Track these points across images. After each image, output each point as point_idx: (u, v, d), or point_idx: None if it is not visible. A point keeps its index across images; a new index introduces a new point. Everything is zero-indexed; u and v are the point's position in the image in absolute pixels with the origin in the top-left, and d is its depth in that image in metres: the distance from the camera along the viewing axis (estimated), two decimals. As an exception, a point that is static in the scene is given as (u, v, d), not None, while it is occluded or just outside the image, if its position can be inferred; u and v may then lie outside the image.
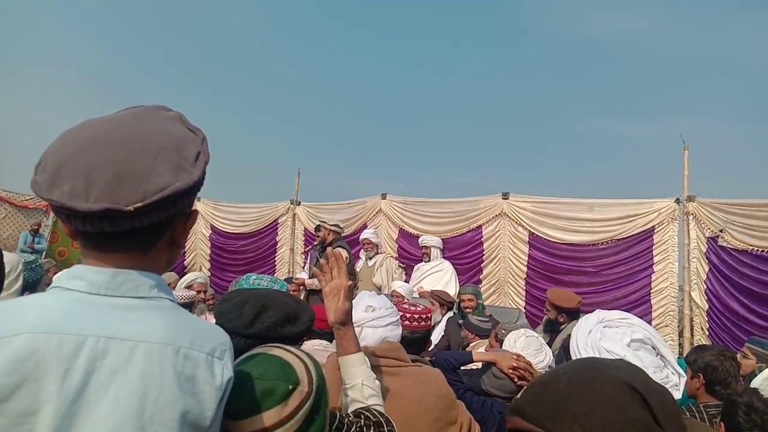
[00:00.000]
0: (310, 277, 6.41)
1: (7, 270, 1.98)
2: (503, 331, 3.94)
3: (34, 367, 0.76)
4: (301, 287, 6.30)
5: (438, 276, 7.11)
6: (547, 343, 3.16)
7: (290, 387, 1.09)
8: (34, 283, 2.71)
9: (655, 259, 6.60)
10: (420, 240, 7.67)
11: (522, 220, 7.33)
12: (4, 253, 2.01)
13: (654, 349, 1.64)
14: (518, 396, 0.89)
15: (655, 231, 6.61)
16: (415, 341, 2.42)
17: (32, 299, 0.88)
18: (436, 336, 5.03)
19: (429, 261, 7.38)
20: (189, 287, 5.27)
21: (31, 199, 12.40)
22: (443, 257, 7.52)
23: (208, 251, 10.54)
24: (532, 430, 0.79)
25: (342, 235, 6.91)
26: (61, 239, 11.54)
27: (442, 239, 7.74)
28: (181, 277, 5.94)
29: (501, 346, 3.80)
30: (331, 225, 6.65)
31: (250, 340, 1.46)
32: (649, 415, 0.74)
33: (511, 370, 2.70)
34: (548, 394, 0.81)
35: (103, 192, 0.81)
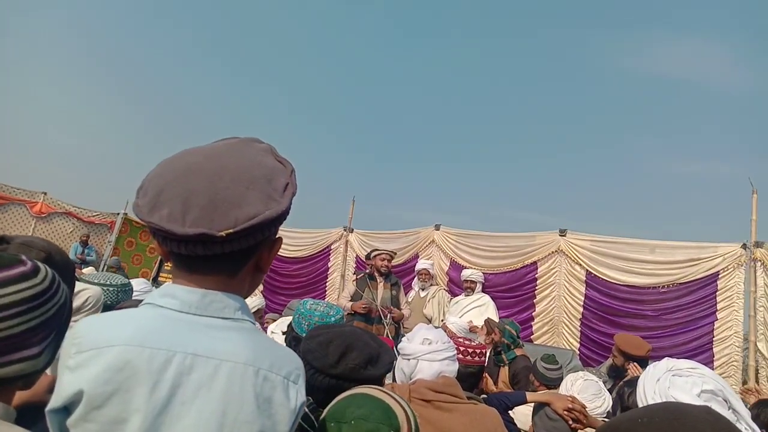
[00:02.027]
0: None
1: (88, 302, 2.06)
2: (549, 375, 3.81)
3: (127, 377, 0.80)
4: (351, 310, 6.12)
5: (480, 310, 7.00)
6: (609, 390, 3.05)
7: None
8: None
9: (719, 306, 6.31)
10: (464, 274, 7.59)
11: (579, 258, 7.16)
12: (88, 286, 2.09)
13: (726, 401, 1.57)
14: None
15: (720, 276, 6.33)
16: (468, 376, 2.39)
17: (127, 314, 0.92)
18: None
19: (471, 294, 7.29)
20: (254, 313, 5.29)
21: (97, 215, 12.97)
22: (488, 291, 7.42)
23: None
24: None
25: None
26: (122, 255, 12.01)
27: (495, 273, 7.65)
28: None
29: (546, 388, 3.69)
30: (389, 252, 6.43)
31: (335, 380, 1.50)
32: None
33: (566, 412, 2.63)
34: None
35: (199, 217, 0.86)
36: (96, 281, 2.25)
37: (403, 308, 6.03)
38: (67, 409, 0.81)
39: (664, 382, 1.62)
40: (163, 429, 0.80)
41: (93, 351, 0.81)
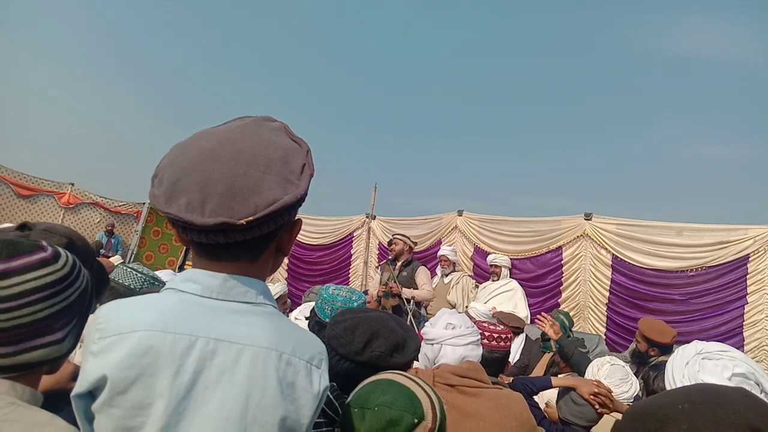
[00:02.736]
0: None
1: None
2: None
3: (150, 362, 0.80)
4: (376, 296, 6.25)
5: (508, 296, 6.98)
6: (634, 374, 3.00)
7: (416, 420, 1.11)
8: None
9: (749, 290, 6.17)
10: (489, 259, 7.55)
11: (605, 242, 7.06)
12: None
13: (758, 385, 1.53)
14: (622, 425, 0.81)
15: (750, 259, 6.19)
16: (493, 361, 2.37)
17: (149, 299, 0.92)
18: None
19: (497, 279, 7.25)
20: (277, 300, 5.35)
21: (123, 205, 13.15)
22: (513, 277, 7.38)
23: (286, 261, 10.77)
24: None
25: (413, 251, 6.87)
26: (149, 244, 12.18)
27: (519, 259, 7.59)
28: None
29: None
30: (411, 241, 6.58)
31: (360, 367, 1.50)
32: None
33: (592, 396, 2.60)
34: None
35: (218, 206, 0.85)
36: (139, 269, 2.33)
37: (421, 289, 6.07)
38: (92, 395, 0.82)
39: (694, 365, 1.58)
40: (187, 414, 0.80)
41: (116, 336, 0.82)
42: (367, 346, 1.51)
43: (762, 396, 1.50)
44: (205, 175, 0.87)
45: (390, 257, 6.46)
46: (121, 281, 2.41)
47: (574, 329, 6.91)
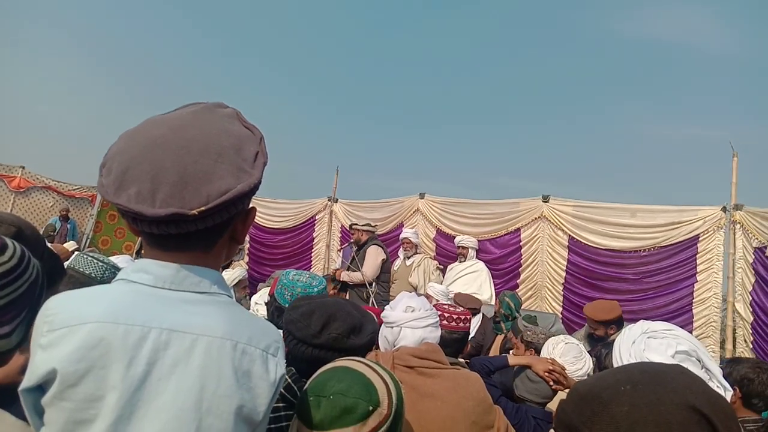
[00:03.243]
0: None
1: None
2: (529, 333, 3.88)
3: (101, 354, 0.79)
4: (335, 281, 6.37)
5: (473, 277, 7.05)
6: (588, 352, 3.10)
7: (370, 408, 1.11)
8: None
9: (699, 269, 6.40)
10: (456, 240, 7.62)
11: (562, 224, 7.20)
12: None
13: (699, 361, 1.60)
14: (567, 405, 0.83)
15: (700, 239, 6.41)
16: (453, 342, 2.42)
17: (99, 290, 0.90)
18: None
19: (464, 261, 7.34)
20: (236, 285, 5.32)
21: (78, 188, 12.80)
22: (478, 258, 7.48)
23: (247, 245, 10.66)
24: None
25: (375, 233, 6.95)
26: (105, 229, 11.89)
27: (480, 241, 7.68)
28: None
29: (528, 350, 3.76)
30: (362, 226, 6.76)
31: (318, 350, 1.50)
32: None
33: (546, 374, 2.68)
34: (608, 417, 0.76)
35: (169, 195, 0.83)
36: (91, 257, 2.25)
37: (362, 270, 6.32)
38: (42, 388, 0.80)
39: (640, 344, 1.65)
40: (141, 405, 0.79)
41: (65, 329, 0.80)
42: (324, 329, 1.52)
43: (702, 371, 1.57)
44: (155, 164, 0.85)
45: (352, 242, 6.63)
46: (81, 269, 2.33)
47: (532, 309, 7.09)
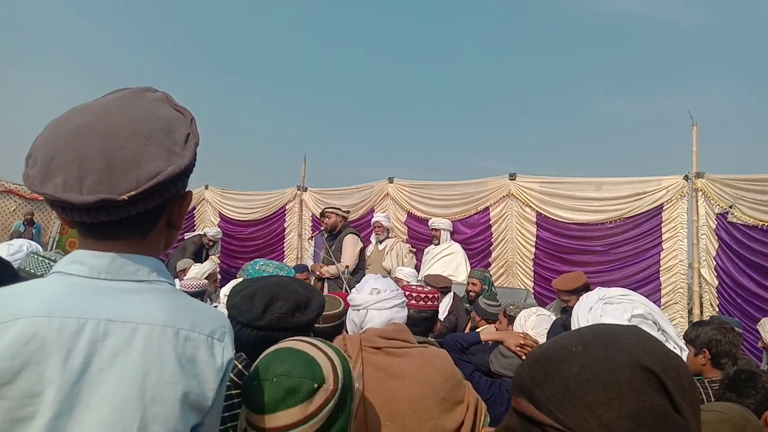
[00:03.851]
0: (315, 262, 6.50)
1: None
2: (511, 307, 3.96)
3: (36, 349, 0.77)
4: (315, 274, 6.33)
5: (449, 259, 7.11)
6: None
7: (315, 386, 1.10)
8: None
9: (664, 237, 6.54)
10: (430, 222, 7.65)
11: (529, 200, 7.28)
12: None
13: (655, 324, 1.64)
14: (522, 368, 0.83)
15: (664, 208, 6.54)
16: (422, 320, 2.43)
17: (32, 284, 0.88)
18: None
19: (439, 244, 7.38)
20: (207, 278, 5.29)
21: (41, 191, 12.50)
22: (452, 239, 7.53)
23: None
24: (542, 420, 0.75)
25: (347, 219, 6.93)
26: (70, 231, 11.63)
27: (451, 222, 7.72)
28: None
29: (510, 325, 3.83)
30: (344, 211, 6.68)
31: (263, 332, 1.48)
32: (667, 402, 0.70)
33: (518, 348, 2.72)
34: (559, 378, 0.75)
35: (97, 182, 0.82)
36: (51, 256, 2.17)
37: (341, 262, 6.20)
38: None
39: (596, 310, 1.68)
40: (81, 398, 0.78)
41: None
42: (267, 310, 1.50)
43: (659, 333, 1.61)
44: (81, 151, 0.83)
45: (323, 230, 6.54)
46: (32, 271, 2.27)
47: (505, 285, 7.19)
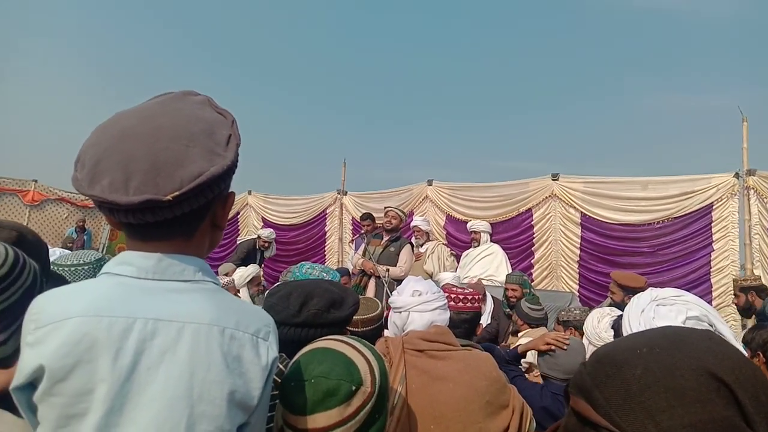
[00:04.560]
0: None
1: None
2: (563, 313, 3.88)
3: (87, 348, 0.79)
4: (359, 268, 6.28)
5: (489, 259, 7.03)
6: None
7: (353, 388, 1.09)
8: None
9: (715, 237, 6.34)
10: (468, 225, 7.58)
11: (573, 201, 7.15)
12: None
13: (711, 326, 1.57)
14: (584, 367, 0.80)
15: (714, 207, 6.34)
16: (461, 322, 2.39)
17: (82, 285, 0.91)
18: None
19: (478, 246, 7.31)
20: (250, 282, 5.36)
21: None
22: (492, 241, 7.44)
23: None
24: (598, 422, 0.71)
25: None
26: (120, 237, 11.97)
27: (491, 224, 7.64)
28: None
29: (567, 330, 3.75)
30: (404, 212, 6.59)
31: (299, 329, 1.50)
32: (737, 414, 0.64)
33: (546, 346, 2.70)
34: (620, 379, 0.71)
35: (142, 183, 0.83)
36: (69, 262, 2.17)
37: (398, 266, 6.10)
38: (33, 386, 0.81)
39: (649, 312, 1.62)
40: (132, 395, 0.80)
41: (50, 326, 0.80)
42: (303, 307, 1.51)
43: None
44: (126, 153, 0.84)
45: (371, 230, 6.49)
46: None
47: (548, 288, 7.07)
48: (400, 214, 6.54)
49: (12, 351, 1.07)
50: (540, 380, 2.95)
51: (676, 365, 0.69)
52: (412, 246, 6.50)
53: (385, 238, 6.36)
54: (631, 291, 4.31)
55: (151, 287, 0.87)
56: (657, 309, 1.61)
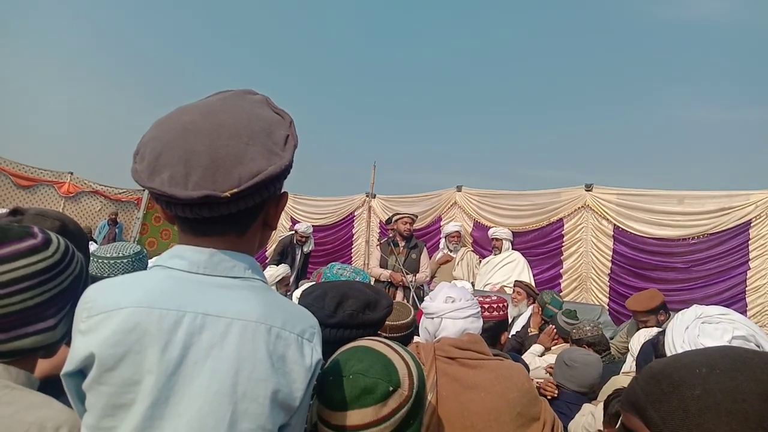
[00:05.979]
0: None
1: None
2: (575, 331, 3.78)
3: (138, 339, 0.80)
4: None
5: (511, 267, 7.01)
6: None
7: (390, 388, 1.09)
8: None
9: (751, 255, 6.17)
10: (490, 232, 7.55)
11: (606, 212, 7.04)
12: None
13: (758, 347, 1.51)
14: (637, 381, 0.77)
15: (752, 225, 6.17)
16: (485, 330, 2.36)
17: (136, 276, 0.93)
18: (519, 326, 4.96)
19: (499, 253, 7.27)
20: (279, 282, 5.38)
21: (123, 192, 13.14)
22: (514, 248, 7.39)
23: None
24: None
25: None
26: (150, 231, 12.17)
27: (521, 232, 7.57)
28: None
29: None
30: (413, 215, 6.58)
31: (334, 329, 1.50)
32: None
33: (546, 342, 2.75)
34: (678, 399, 0.69)
35: (201, 178, 0.84)
36: (109, 254, 2.19)
37: (422, 271, 6.08)
38: (83, 373, 0.82)
39: (693, 330, 1.57)
40: (177, 389, 0.80)
41: (103, 314, 0.81)
42: (339, 308, 1.52)
43: None
44: (187, 148, 0.85)
45: (390, 237, 6.45)
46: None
47: (578, 301, 6.95)
48: (414, 218, 6.54)
49: (60, 336, 1.09)
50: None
51: (739, 388, 0.67)
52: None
53: (402, 245, 6.33)
54: (654, 310, 4.01)
55: (201, 282, 0.88)
56: (702, 327, 1.56)
